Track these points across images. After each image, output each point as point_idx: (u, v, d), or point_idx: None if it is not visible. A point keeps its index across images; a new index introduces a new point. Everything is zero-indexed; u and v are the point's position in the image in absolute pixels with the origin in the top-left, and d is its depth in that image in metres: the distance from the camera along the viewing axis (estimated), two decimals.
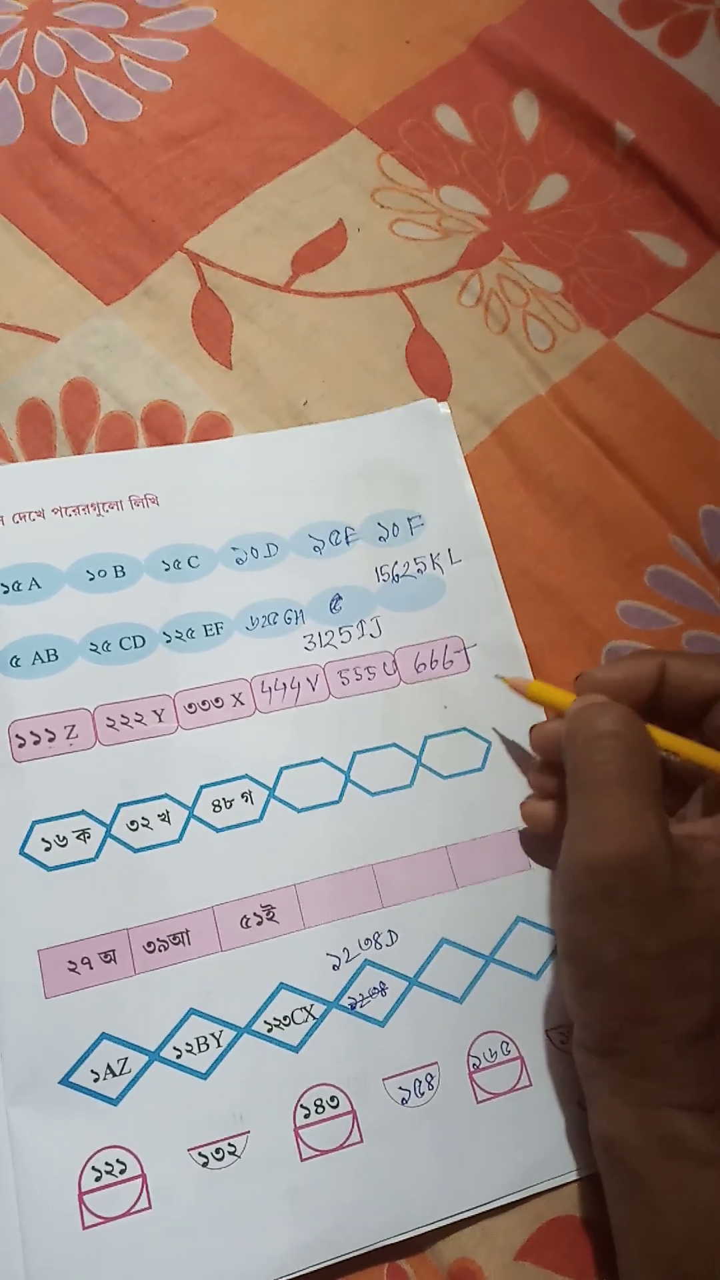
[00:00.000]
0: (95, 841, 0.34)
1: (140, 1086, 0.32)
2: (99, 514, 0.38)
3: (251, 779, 0.36)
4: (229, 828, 0.35)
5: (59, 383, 0.41)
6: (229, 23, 0.49)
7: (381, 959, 0.34)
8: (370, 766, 0.36)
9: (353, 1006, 0.33)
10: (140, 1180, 0.31)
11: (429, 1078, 0.33)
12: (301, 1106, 0.32)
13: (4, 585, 0.36)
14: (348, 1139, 0.32)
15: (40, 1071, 0.31)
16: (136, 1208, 0.31)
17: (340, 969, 0.34)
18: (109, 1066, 0.32)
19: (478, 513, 0.41)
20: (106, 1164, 0.31)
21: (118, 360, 0.42)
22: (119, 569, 0.37)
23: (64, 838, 0.34)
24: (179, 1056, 0.32)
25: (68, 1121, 0.31)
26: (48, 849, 0.34)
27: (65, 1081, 0.31)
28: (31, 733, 0.35)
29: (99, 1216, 0.30)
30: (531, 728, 0.35)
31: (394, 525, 0.40)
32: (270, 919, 0.34)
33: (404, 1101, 0.33)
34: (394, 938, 0.34)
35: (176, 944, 0.33)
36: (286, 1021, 0.33)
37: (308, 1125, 0.32)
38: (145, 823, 0.35)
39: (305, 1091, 0.32)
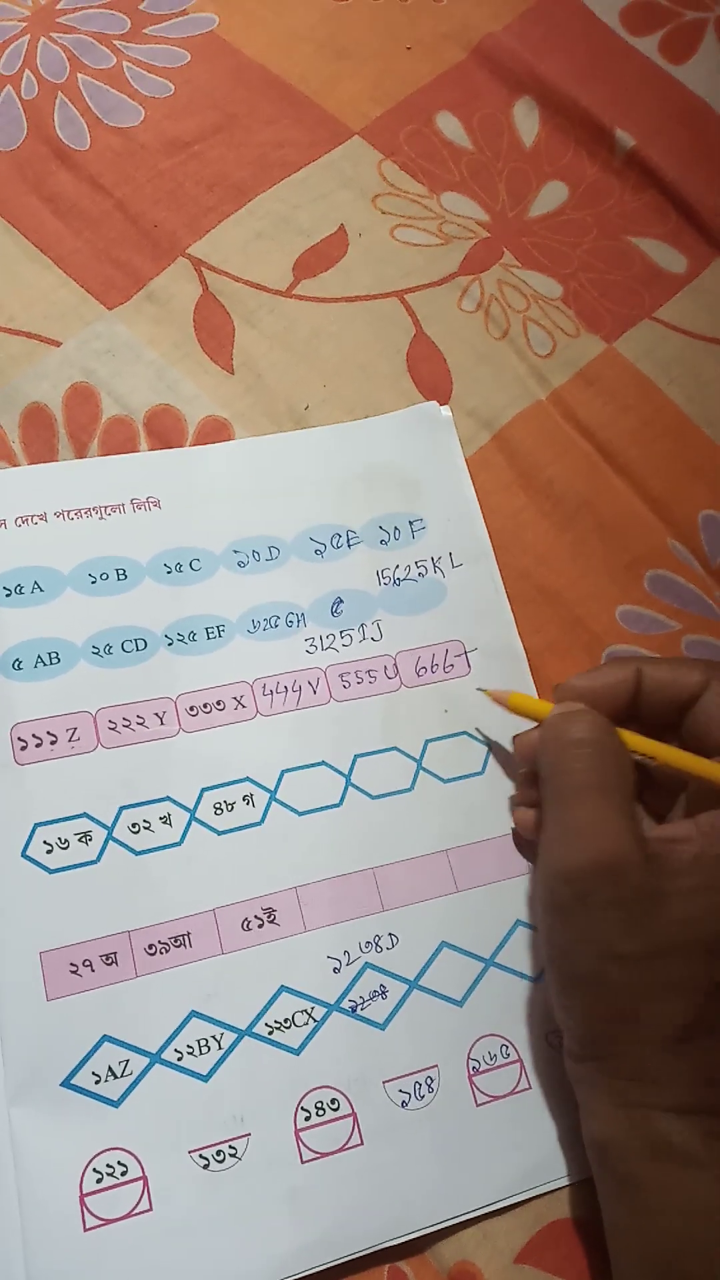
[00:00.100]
0: (97, 844, 0.34)
1: (141, 1088, 0.32)
2: (101, 517, 0.38)
3: (253, 782, 0.36)
4: (230, 830, 0.35)
5: (61, 387, 0.41)
6: (231, 29, 0.50)
7: (382, 962, 0.34)
8: (371, 770, 0.36)
9: (353, 1009, 0.34)
10: (141, 1182, 0.31)
11: (429, 1080, 0.33)
12: (302, 1109, 0.32)
13: (6, 588, 0.37)
14: (348, 1141, 0.32)
15: (41, 1073, 0.32)
16: (138, 1209, 0.31)
17: (341, 972, 0.34)
18: (110, 1068, 0.32)
19: (479, 516, 0.41)
20: (108, 1166, 0.31)
21: (120, 364, 0.42)
22: (121, 572, 0.38)
23: (65, 840, 0.34)
24: (180, 1059, 0.32)
25: (69, 1123, 0.31)
26: (49, 851, 0.34)
27: (66, 1083, 0.32)
28: (33, 735, 0.35)
29: (100, 1218, 0.30)
30: (514, 737, 0.35)
31: (395, 529, 0.40)
32: (271, 921, 0.34)
33: (404, 1104, 0.33)
34: (394, 941, 0.34)
35: (178, 946, 0.33)
36: (287, 1024, 0.33)
37: (308, 1127, 0.32)
38: (147, 825, 0.35)
39: (306, 1094, 0.32)
